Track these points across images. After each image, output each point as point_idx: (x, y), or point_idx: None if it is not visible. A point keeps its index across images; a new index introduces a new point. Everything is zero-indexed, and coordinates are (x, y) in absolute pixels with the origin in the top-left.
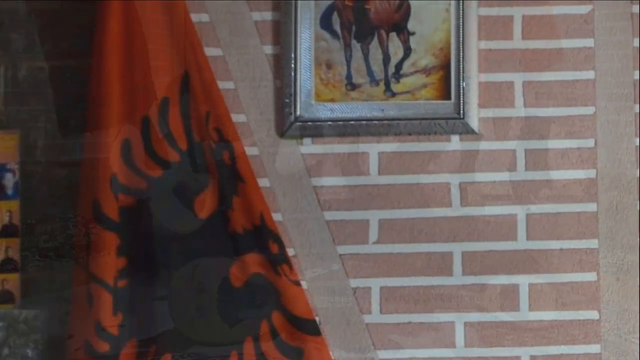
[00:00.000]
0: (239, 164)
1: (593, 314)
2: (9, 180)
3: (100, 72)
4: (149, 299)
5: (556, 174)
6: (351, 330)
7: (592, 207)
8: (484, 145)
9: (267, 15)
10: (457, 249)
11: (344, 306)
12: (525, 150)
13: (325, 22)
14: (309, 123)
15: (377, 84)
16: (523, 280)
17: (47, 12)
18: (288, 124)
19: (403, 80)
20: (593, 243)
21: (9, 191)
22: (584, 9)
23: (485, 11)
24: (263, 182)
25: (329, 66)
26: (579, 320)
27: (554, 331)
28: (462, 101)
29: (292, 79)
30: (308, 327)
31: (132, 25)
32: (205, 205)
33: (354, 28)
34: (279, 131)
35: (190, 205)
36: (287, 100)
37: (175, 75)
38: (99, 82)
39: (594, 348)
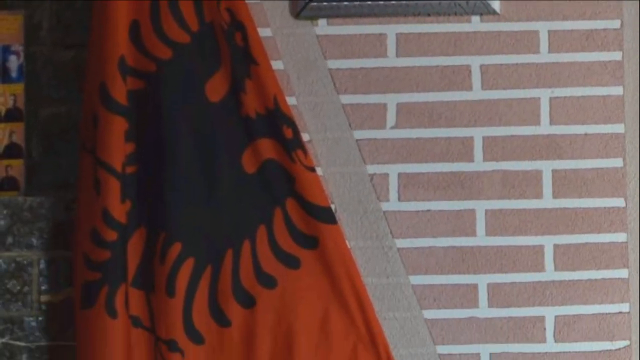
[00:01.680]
0: (252, 45)
1: (619, 202)
2: (13, 62)
3: None
4: (158, 186)
5: (581, 56)
6: (368, 218)
7: (618, 90)
8: (505, 26)
9: None
10: (477, 133)
11: (361, 193)
12: (549, 31)
13: None
14: (325, 3)
15: None
16: (546, 166)
17: None
18: (303, 4)
19: None
20: (619, 127)
21: (14, 74)
22: None
23: None
24: (277, 65)
25: None
26: (604, 207)
27: (578, 219)
28: None
29: None
30: (323, 215)
31: None
32: (217, 88)
33: None
34: (293, 12)
35: (201, 89)
36: None
37: None
38: None
39: (620, 237)
